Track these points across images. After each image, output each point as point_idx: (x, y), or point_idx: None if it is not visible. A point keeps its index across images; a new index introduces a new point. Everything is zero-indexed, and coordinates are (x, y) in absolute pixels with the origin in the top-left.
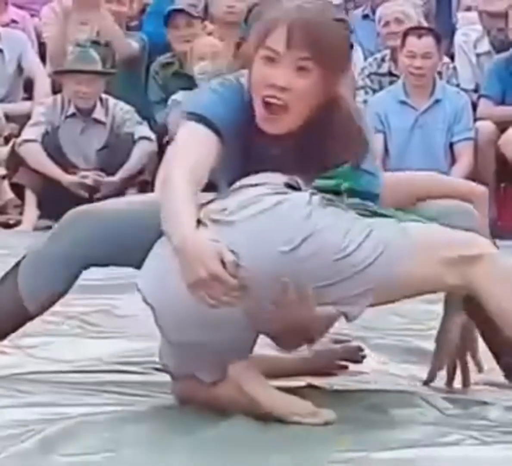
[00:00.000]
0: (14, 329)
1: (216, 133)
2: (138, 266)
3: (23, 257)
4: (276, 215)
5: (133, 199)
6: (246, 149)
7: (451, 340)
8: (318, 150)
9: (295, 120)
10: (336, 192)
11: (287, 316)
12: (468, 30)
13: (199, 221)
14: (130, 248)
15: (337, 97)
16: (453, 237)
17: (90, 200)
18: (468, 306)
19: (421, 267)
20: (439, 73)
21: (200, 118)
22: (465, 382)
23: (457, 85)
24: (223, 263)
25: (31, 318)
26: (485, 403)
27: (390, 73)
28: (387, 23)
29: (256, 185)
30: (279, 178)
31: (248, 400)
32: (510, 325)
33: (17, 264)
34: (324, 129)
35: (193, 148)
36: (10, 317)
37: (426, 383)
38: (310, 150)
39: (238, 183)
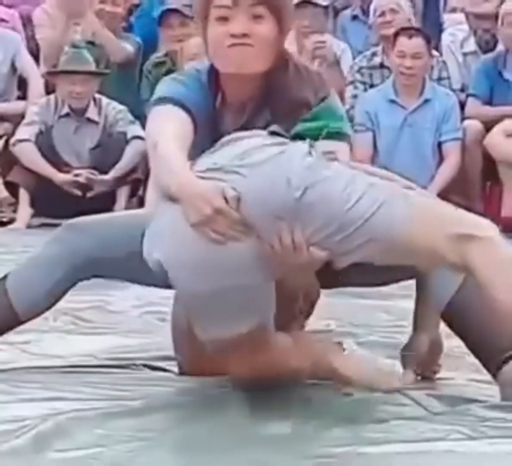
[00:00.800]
0: (2, 332)
1: (186, 111)
2: (130, 279)
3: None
4: (279, 163)
5: (128, 213)
6: (213, 128)
7: (418, 357)
8: (282, 106)
9: (261, 61)
10: (317, 136)
11: (285, 261)
12: (455, 30)
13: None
14: (123, 262)
15: (286, 52)
16: (458, 215)
17: (83, 198)
18: (453, 316)
19: (422, 234)
20: (431, 67)
21: (169, 100)
22: None
23: (448, 78)
24: (224, 199)
25: (20, 322)
26: (471, 399)
27: (381, 65)
28: (383, 13)
29: (248, 137)
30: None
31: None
32: (501, 311)
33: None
34: (284, 83)
35: (172, 122)
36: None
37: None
38: (275, 110)
39: (225, 138)
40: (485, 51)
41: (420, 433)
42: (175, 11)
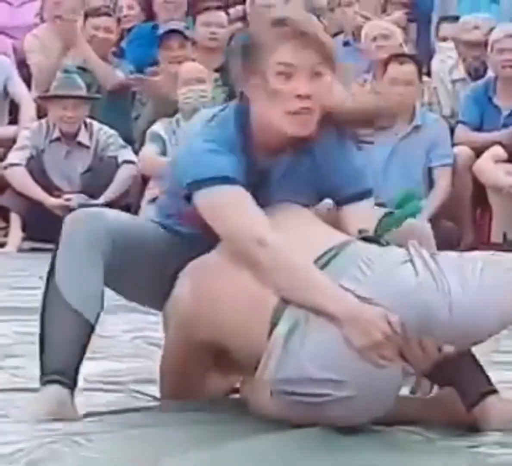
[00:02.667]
0: (85, 351)
1: (238, 184)
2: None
3: (47, 285)
4: (405, 289)
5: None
6: (257, 179)
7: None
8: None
9: (316, 120)
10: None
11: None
12: (444, 57)
13: None
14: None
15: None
16: None
17: None
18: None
19: None
20: (422, 92)
21: (215, 181)
22: None
23: (439, 104)
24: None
25: (93, 329)
26: (468, 429)
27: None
28: (374, 38)
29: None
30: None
31: None
32: None
33: (45, 294)
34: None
35: (242, 206)
36: (82, 349)
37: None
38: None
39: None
40: (474, 79)
41: (417, 462)
42: (176, 32)
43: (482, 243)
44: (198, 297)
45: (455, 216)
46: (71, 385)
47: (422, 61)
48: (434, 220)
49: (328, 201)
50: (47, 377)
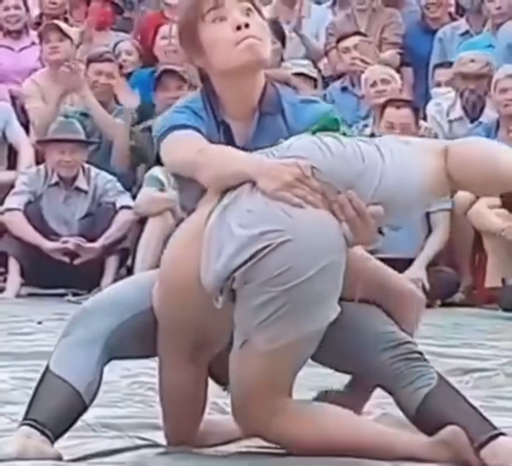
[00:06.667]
0: (72, 424)
1: (197, 131)
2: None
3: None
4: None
5: (129, 279)
6: (229, 139)
7: None
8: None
9: (267, 49)
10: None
11: (356, 230)
12: (440, 100)
13: None
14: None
15: None
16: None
17: (72, 268)
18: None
19: (429, 169)
20: (422, 137)
21: (180, 127)
22: None
23: None
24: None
25: (86, 408)
26: None
27: (372, 136)
28: (374, 83)
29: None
30: None
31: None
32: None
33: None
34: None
35: (191, 140)
36: (66, 412)
37: None
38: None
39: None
40: (472, 119)
41: None
42: (173, 73)
43: (481, 287)
44: (161, 278)
45: (454, 262)
46: (43, 430)
47: (419, 106)
48: (432, 265)
49: None
50: (21, 422)
